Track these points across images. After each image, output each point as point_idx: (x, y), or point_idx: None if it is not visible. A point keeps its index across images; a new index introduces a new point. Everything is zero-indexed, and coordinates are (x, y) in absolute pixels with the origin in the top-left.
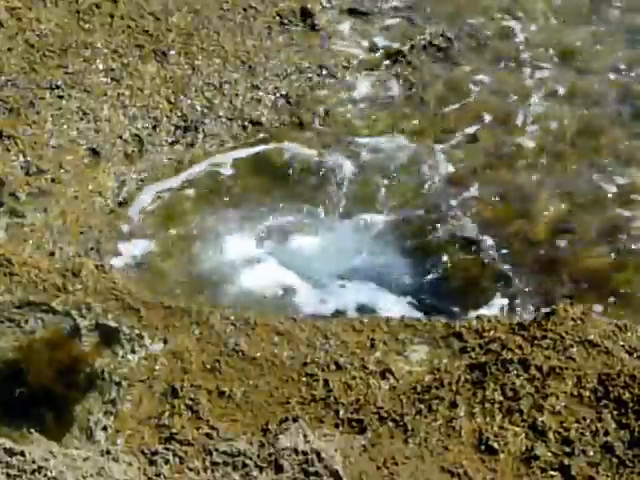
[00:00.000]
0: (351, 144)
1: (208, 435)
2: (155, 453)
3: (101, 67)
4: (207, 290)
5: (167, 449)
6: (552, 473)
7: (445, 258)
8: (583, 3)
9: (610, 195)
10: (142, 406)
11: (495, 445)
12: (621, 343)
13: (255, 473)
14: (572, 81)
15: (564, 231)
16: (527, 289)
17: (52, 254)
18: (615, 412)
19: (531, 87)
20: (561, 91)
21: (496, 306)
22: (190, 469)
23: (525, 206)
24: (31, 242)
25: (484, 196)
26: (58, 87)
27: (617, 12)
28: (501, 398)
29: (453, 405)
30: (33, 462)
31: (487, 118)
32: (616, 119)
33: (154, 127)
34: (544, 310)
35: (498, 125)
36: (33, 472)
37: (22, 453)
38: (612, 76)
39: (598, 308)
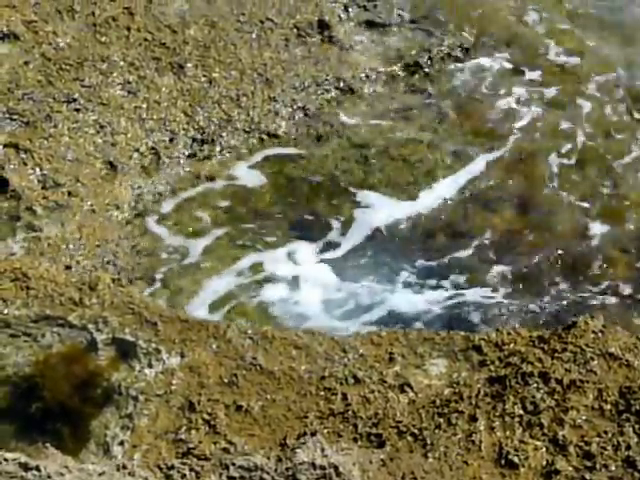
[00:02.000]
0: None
1: (225, 450)
2: (172, 468)
3: (118, 80)
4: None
5: (184, 464)
6: None
7: (463, 271)
8: (604, 9)
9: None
10: (159, 421)
11: (515, 459)
12: None
13: None
14: (593, 88)
15: (584, 242)
16: (547, 301)
17: (69, 268)
18: (637, 426)
19: (552, 96)
20: (582, 98)
21: (515, 319)
22: None
23: (546, 216)
24: (48, 256)
25: (503, 208)
26: (75, 100)
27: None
28: (521, 412)
29: (473, 419)
30: (48, 477)
31: (507, 128)
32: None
33: (171, 140)
34: (565, 322)
35: (519, 134)
36: None
37: (37, 468)
38: (632, 81)
39: (620, 320)
